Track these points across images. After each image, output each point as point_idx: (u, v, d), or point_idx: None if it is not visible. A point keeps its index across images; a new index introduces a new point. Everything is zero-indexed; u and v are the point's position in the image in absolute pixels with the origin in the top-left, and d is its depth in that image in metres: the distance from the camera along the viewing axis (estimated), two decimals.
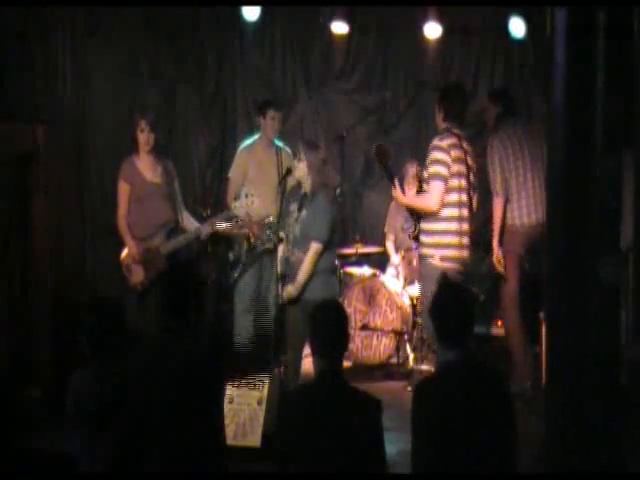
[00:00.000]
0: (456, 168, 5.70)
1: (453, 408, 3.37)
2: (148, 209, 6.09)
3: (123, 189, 6.12)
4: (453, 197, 5.71)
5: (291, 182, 5.81)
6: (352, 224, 7.92)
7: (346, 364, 6.97)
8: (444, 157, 5.67)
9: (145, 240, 6.07)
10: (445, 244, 5.70)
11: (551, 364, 4.01)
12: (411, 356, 6.90)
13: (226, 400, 5.18)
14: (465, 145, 5.84)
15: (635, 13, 3.54)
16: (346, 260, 7.53)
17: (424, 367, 6.88)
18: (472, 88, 8.39)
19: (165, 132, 7.32)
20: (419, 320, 7.17)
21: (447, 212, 5.70)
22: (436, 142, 5.76)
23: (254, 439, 5.09)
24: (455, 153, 5.72)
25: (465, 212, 5.75)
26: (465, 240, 5.76)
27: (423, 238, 5.78)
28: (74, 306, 6.25)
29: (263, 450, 4.98)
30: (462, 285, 3.69)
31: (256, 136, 6.71)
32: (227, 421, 5.09)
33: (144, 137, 6.13)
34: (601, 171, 3.60)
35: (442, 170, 5.65)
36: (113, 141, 7.48)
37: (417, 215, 5.86)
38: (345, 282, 7.40)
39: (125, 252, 6.10)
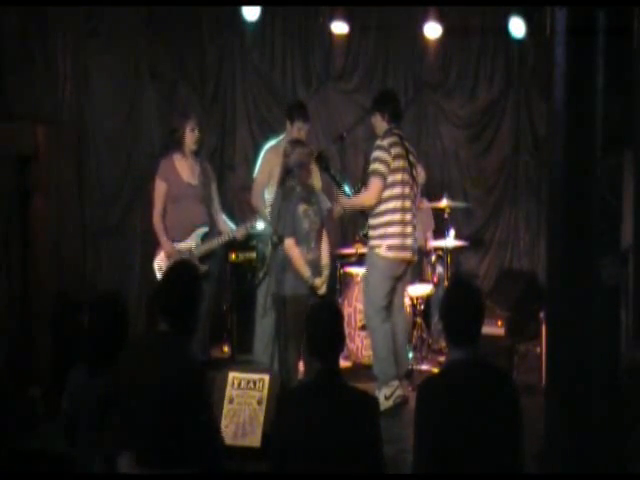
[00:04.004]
0: (397, 164, 6.07)
1: (458, 406, 3.37)
2: (183, 210, 6.12)
3: (160, 188, 6.15)
4: (396, 190, 6.07)
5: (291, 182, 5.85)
6: (352, 224, 7.91)
7: (346, 364, 6.97)
8: (384, 155, 6.04)
9: (179, 242, 6.09)
10: (390, 234, 6.06)
11: (551, 364, 4.01)
12: (411, 356, 6.89)
13: (226, 400, 5.19)
14: (406, 144, 6.22)
15: (635, 13, 3.54)
16: (346, 260, 7.53)
17: (424, 367, 6.90)
18: (472, 88, 8.41)
19: (165, 132, 7.31)
20: (419, 320, 7.19)
21: (391, 204, 6.07)
22: (378, 142, 6.13)
23: (254, 439, 5.09)
24: (396, 150, 6.08)
25: (408, 203, 6.11)
26: (408, 229, 6.12)
27: (371, 232, 6.14)
28: (74, 306, 6.26)
29: (263, 450, 4.98)
30: (472, 284, 3.68)
31: (281, 136, 6.70)
32: (227, 421, 5.11)
33: (193, 137, 6.18)
34: (601, 171, 3.60)
35: (381, 167, 6.03)
36: (113, 141, 7.48)
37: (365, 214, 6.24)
38: (345, 282, 7.40)
39: (162, 253, 6.11)
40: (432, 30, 7.91)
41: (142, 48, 7.61)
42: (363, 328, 7.11)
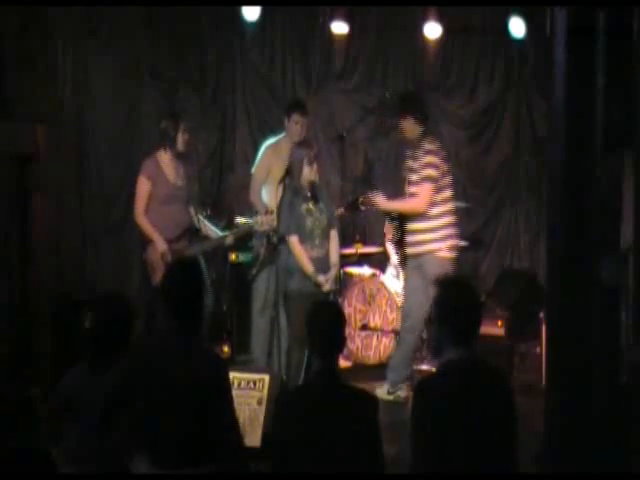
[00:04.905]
0: (446, 167, 6.14)
1: (455, 406, 3.37)
2: (173, 212, 6.07)
3: (144, 185, 6.07)
4: (448, 192, 6.15)
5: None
6: (352, 224, 7.91)
7: (346, 364, 6.98)
8: (436, 160, 6.07)
9: (170, 243, 6.02)
10: (449, 235, 6.13)
11: (551, 364, 4.01)
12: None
13: None
14: None
15: (635, 13, 3.54)
16: (346, 260, 7.53)
17: (424, 367, 6.89)
18: (472, 88, 8.41)
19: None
20: None
21: (447, 207, 6.14)
22: (428, 146, 6.12)
23: (254, 439, 5.09)
24: (443, 153, 6.17)
25: (454, 205, 6.27)
26: (458, 230, 6.25)
27: (426, 236, 6.10)
28: (74, 306, 6.25)
29: (263, 450, 4.98)
30: (469, 284, 3.69)
31: (281, 135, 6.72)
32: None
33: (184, 138, 6.13)
34: (601, 171, 3.60)
35: (434, 173, 6.04)
36: (113, 141, 7.49)
37: (398, 219, 6.27)
38: (345, 282, 7.40)
39: (152, 250, 6.03)
40: (432, 30, 7.91)
41: (142, 48, 7.61)
42: (363, 328, 7.12)
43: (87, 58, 7.34)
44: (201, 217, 6.33)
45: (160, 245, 6.00)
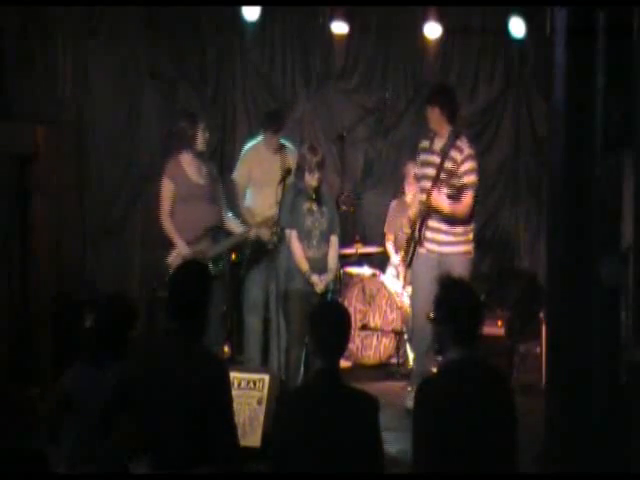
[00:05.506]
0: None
1: (455, 406, 3.37)
2: (194, 211, 5.96)
3: (167, 187, 5.99)
4: (477, 197, 6.09)
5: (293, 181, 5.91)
6: (352, 224, 7.91)
7: (346, 364, 6.97)
8: (476, 166, 5.95)
9: (192, 243, 5.92)
10: (472, 239, 6.09)
11: (551, 364, 4.01)
12: (411, 356, 6.89)
13: None
14: None
15: (635, 13, 3.54)
16: (346, 260, 7.52)
17: None
18: (472, 88, 8.41)
19: (164, 132, 7.31)
20: None
21: (475, 210, 6.09)
22: (468, 150, 5.95)
23: (254, 439, 5.09)
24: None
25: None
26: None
27: (460, 237, 6.03)
28: (74, 306, 6.25)
29: (263, 450, 4.98)
30: (469, 284, 3.68)
31: (260, 137, 6.70)
32: None
33: (204, 137, 6.09)
34: (601, 171, 3.61)
35: (476, 179, 5.93)
36: (113, 141, 7.49)
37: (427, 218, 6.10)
38: (345, 282, 7.39)
39: (174, 254, 5.92)
40: (432, 30, 7.91)
41: (142, 48, 7.61)
42: (363, 328, 7.12)
43: (87, 58, 7.34)
44: (229, 214, 6.28)
45: (182, 249, 5.88)
